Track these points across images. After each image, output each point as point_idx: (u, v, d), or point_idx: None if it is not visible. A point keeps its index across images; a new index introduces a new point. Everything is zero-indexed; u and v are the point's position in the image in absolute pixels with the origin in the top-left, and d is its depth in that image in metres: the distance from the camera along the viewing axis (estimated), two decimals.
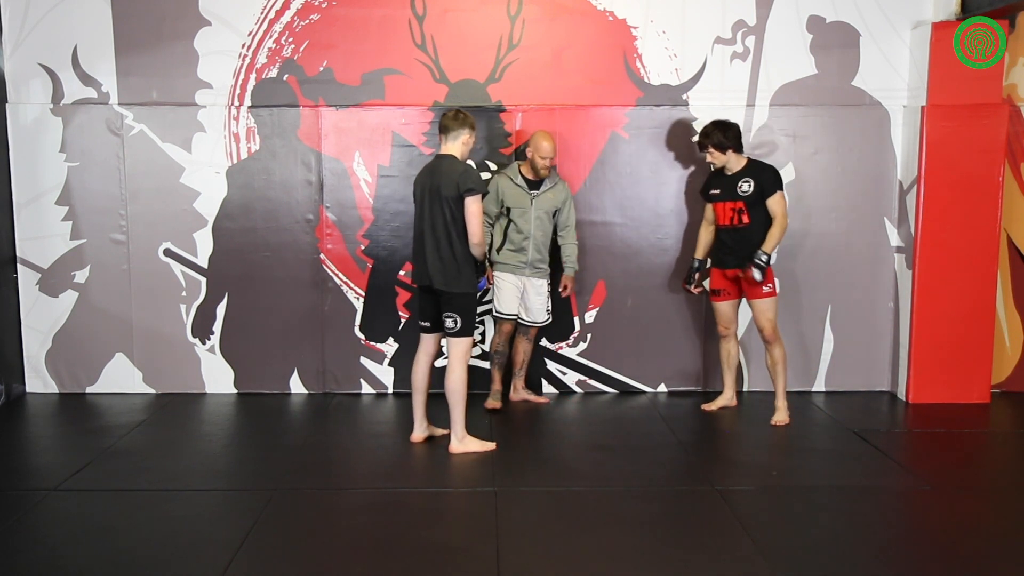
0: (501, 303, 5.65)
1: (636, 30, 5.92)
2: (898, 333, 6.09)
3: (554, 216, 5.66)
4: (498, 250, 5.64)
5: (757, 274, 5.25)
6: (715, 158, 5.36)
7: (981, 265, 5.84)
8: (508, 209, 5.56)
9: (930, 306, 5.86)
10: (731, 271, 5.44)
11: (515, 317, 5.70)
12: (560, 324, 6.07)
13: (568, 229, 5.71)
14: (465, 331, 4.81)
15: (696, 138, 5.55)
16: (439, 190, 4.69)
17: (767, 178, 5.29)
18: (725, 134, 5.30)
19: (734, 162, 5.36)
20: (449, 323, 4.81)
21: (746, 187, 5.30)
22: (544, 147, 5.46)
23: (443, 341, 5.03)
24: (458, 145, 4.78)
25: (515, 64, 5.93)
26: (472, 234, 4.69)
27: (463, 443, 4.90)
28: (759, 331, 5.47)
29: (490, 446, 4.96)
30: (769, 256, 5.27)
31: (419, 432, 5.10)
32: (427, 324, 4.97)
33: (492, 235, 5.64)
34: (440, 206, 4.70)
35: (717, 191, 5.44)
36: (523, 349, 5.86)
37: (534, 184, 5.59)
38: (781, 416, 5.48)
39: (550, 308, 5.79)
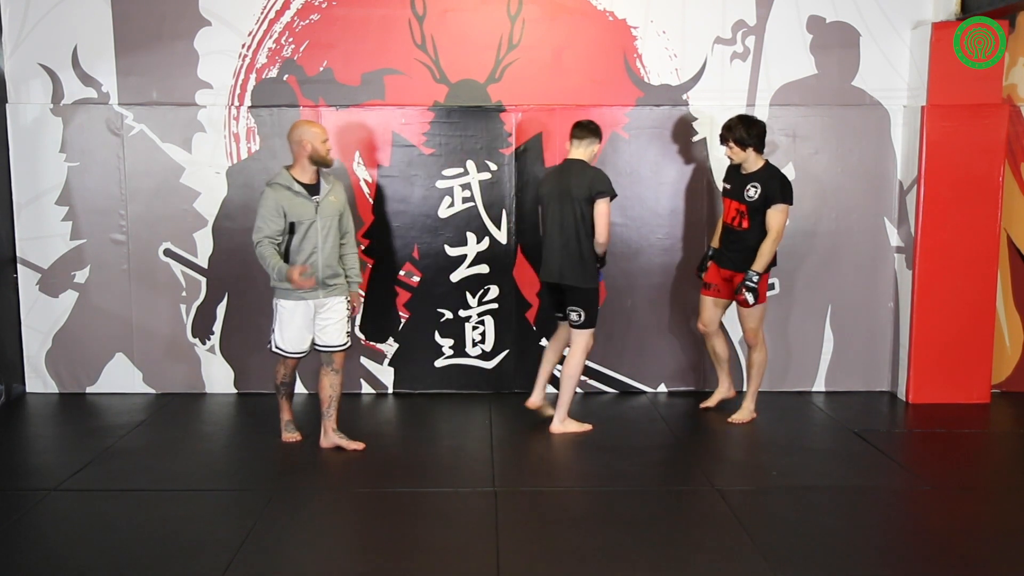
0: (284, 340, 4.83)
1: (636, 30, 5.92)
2: (898, 333, 6.08)
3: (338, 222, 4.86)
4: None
5: (750, 297, 5.16)
6: (734, 154, 5.22)
7: (981, 265, 5.84)
8: (291, 225, 4.71)
9: (930, 306, 5.86)
10: (726, 271, 5.41)
11: (303, 354, 4.92)
12: None
13: (348, 235, 4.95)
14: (588, 323, 5.14)
15: (719, 131, 5.31)
16: (570, 191, 4.99)
17: (774, 187, 5.13)
18: (748, 130, 5.15)
19: (752, 162, 5.23)
20: (573, 316, 5.13)
21: (752, 192, 5.16)
22: (317, 131, 4.75)
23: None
24: (589, 152, 5.12)
25: (515, 64, 5.93)
26: (599, 234, 5.01)
27: (563, 424, 5.25)
28: (743, 333, 5.45)
29: (587, 427, 5.29)
30: (759, 275, 5.16)
31: (536, 399, 5.35)
32: (559, 315, 5.30)
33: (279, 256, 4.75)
34: (571, 206, 5.00)
35: (728, 187, 5.35)
36: (329, 383, 4.91)
37: (313, 189, 4.78)
38: (743, 415, 5.46)
39: (351, 330, 5.08)
